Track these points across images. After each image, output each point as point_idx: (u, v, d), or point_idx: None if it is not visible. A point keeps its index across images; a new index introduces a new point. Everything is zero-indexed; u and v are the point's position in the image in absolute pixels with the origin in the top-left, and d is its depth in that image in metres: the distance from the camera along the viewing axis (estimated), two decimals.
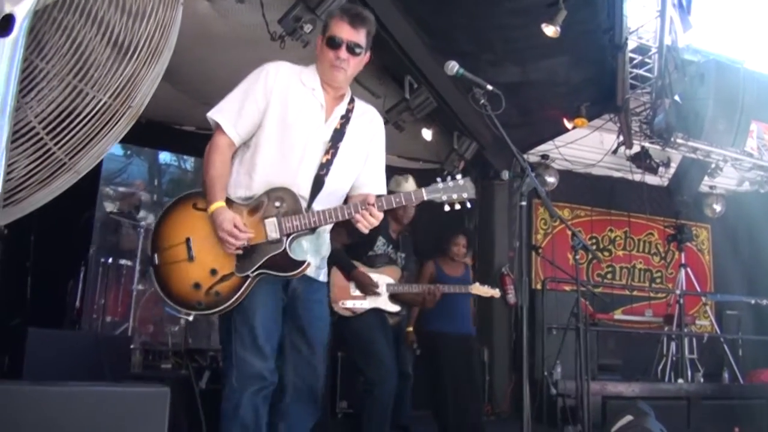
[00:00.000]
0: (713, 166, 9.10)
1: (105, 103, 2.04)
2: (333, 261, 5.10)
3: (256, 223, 3.12)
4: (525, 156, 9.65)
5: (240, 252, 3.09)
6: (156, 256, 3.16)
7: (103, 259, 7.26)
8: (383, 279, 5.46)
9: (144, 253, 7.02)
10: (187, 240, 3.13)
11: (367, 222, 3.09)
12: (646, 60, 7.20)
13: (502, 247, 8.88)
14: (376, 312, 5.35)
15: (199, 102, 6.35)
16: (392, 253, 5.67)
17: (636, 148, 8.88)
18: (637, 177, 10.04)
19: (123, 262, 7.24)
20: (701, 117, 7.61)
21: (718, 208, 10.90)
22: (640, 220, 10.62)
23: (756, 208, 10.34)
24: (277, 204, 3.15)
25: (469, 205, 3.17)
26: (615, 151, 9.08)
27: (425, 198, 3.10)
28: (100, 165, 7.73)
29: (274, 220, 3.12)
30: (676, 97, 7.27)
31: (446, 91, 6.64)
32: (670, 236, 9.75)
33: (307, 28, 4.82)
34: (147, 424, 3.12)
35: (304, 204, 3.18)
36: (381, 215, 3.10)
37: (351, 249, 5.44)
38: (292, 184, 3.18)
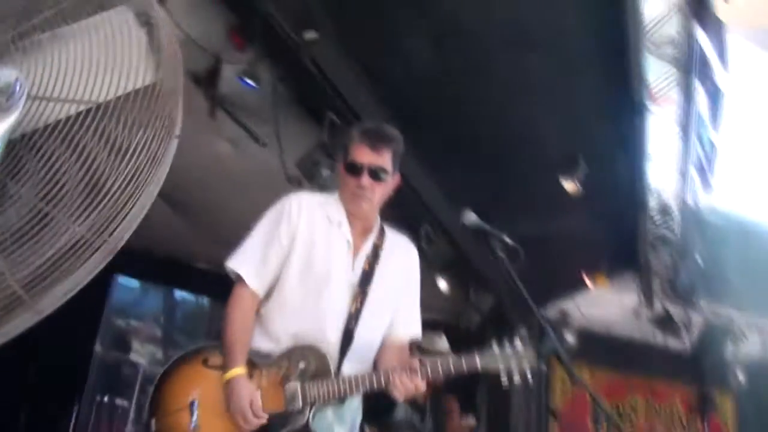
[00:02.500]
0: (737, 331, 8.82)
1: (77, 233, 1.87)
2: None
3: (274, 386, 2.71)
4: (543, 312, 9.47)
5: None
6: (153, 422, 2.69)
7: (98, 397, 6.92)
8: None
9: (139, 405, 6.74)
10: (191, 404, 2.68)
11: (405, 390, 2.67)
12: (668, 221, 7.12)
13: (517, 410, 8.49)
14: None
15: (213, 240, 6.29)
16: (417, 420, 5.25)
17: (658, 309, 8.63)
18: (659, 340, 9.73)
19: (119, 402, 6.93)
20: (725, 280, 7.42)
21: (742, 377, 10.47)
22: (661, 386, 10.18)
23: None
24: (302, 365, 2.73)
25: (530, 379, 2.73)
26: (636, 312, 8.83)
27: (478, 367, 2.70)
28: (104, 294, 7.74)
29: (296, 385, 2.70)
30: (698, 259, 7.12)
31: (463, 241, 6.53)
32: (693, 406, 9.35)
33: (325, 172, 4.76)
34: None
35: (333, 366, 2.77)
36: (423, 385, 2.69)
37: (367, 414, 5.10)
38: (321, 340, 2.79)
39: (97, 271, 2.00)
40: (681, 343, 9.60)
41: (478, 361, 2.72)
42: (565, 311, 9.25)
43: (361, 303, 2.88)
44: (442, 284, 7.47)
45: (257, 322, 2.85)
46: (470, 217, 3.23)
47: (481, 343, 7.94)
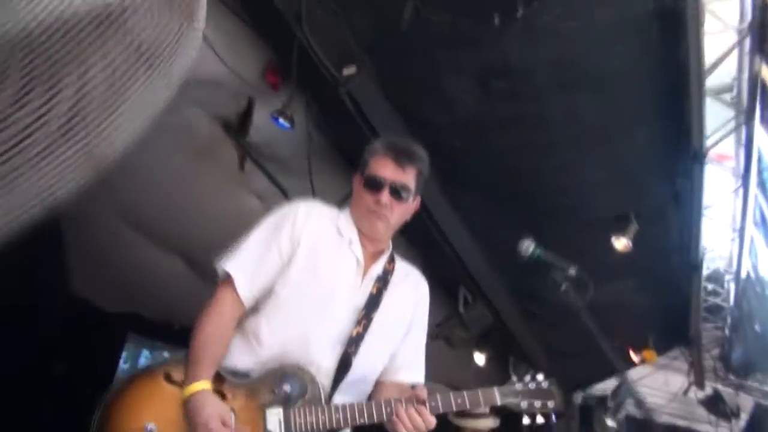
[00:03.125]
0: None
1: None
2: None
3: (251, 410, 2.27)
4: (583, 393, 8.96)
5: None
6: None
7: None
8: None
9: None
10: (146, 429, 2.19)
11: (411, 425, 2.27)
12: (718, 289, 6.69)
13: None
14: None
15: None
16: None
17: (707, 391, 8.10)
18: (704, 428, 9.19)
19: None
20: None
21: None
22: None
23: None
24: (287, 388, 2.31)
25: (554, 418, 2.46)
26: (685, 392, 8.29)
27: (498, 402, 2.35)
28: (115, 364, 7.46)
29: (279, 411, 2.28)
30: (757, 327, 6.64)
31: (503, 307, 6.14)
32: None
33: None
34: None
35: (324, 394, 2.36)
36: (433, 420, 2.30)
37: None
38: (310, 362, 2.38)
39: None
40: (729, 428, 9.05)
41: (497, 396, 2.37)
42: (606, 396, 8.77)
43: (365, 328, 2.49)
44: (479, 358, 7.06)
45: (238, 336, 2.42)
46: (528, 246, 2.88)
47: (518, 422, 7.38)
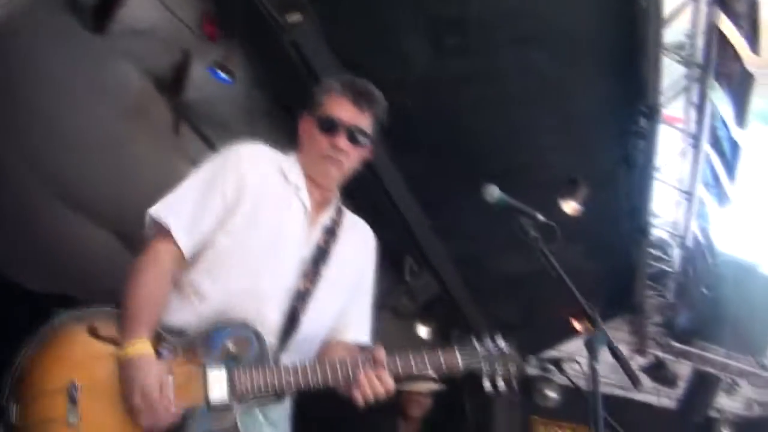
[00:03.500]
0: (729, 381, 8.41)
1: None
2: None
3: (190, 374, 2.03)
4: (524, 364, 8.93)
5: None
6: (14, 407, 1.91)
7: None
8: None
9: None
10: (70, 387, 1.93)
11: (369, 390, 2.07)
12: (662, 255, 6.66)
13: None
14: None
15: None
16: None
17: (649, 359, 8.14)
18: (640, 397, 9.30)
19: None
20: (722, 322, 6.98)
21: None
22: None
23: None
24: (230, 346, 2.07)
25: (516, 385, 2.21)
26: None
27: (460, 365, 2.17)
28: None
29: (222, 373, 2.04)
30: (704, 290, 6.64)
31: (449, 276, 5.99)
32: None
33: None
34: None
35: (270, 352, 2.14)
36: (392, 384, 2.11)
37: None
38: (255, 318, 2.14)
39: None
40: (668, 398, 9.15)
41: (459, 358, 2.19)
42: (548, 366, 8.76)
43: (313, 283, 2.29)
44: (422, 331, 6.91)
45: (173, 291, 2.17)
46: (493, 192, 2.70)
47: (461, 393, 7.24)
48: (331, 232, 2.38)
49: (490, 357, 2.22)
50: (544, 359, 5.27)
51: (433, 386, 4.86)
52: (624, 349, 8.18)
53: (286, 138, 4.42)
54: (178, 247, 2.14)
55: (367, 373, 2.08)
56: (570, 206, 5.06)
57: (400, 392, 4.78)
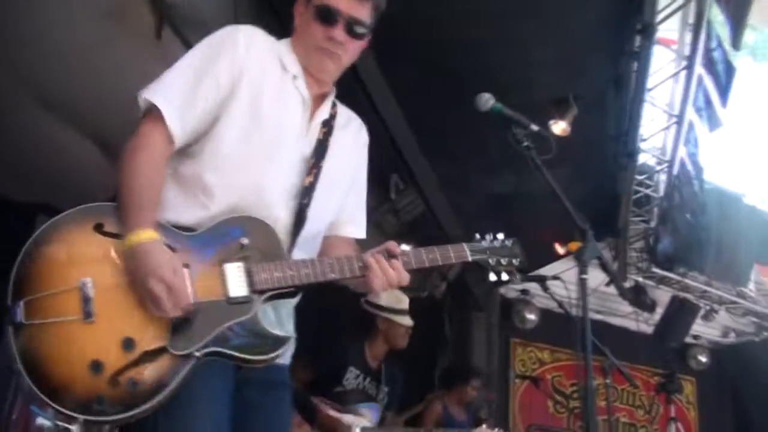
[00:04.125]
0: (708, 308, 8.51)
1: None
2: (294, 405, 4.12)
3: (207, 267, 2.00)
4: (503, 289, 8.98)
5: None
6: (21, 306, 1.83)
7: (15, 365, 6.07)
8: (356, 421, 4.36)
9: None
10: (83, 286, 1.87)
11: (387, 279, 2.08)
12: (646, 181, 6.63)
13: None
14: None
15: None
16: (370, 387, 4.68)
17: (629, 284, 8.20)
18: (617, 321, 9.42)
19: None
20: (704, 248, 7.00)
21: (703, 359, 10.22)
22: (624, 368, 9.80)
23: (747, 360, 9.68)
24: (244, 241, 2.04)
25: (519, 277, 2.36)
26: (608, 284, 8.36)
27: (469, 257, 2.26)
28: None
29: (240, 266, 2.01)
30: (688, 216, 6.64)
31: (433, 196, 5.94)
32: (658, 386, 8.94)
33: None
34: None
35: (285, 247, 2.13)
36: (407, 276, 2.14)
37: (315, 386, 4.48)
38: (267, 215, 2.11)
39: None
40: (646, 323, 9.25)
41: (467, 250, 2.29)
42: (527, 289, 8.82)
43: (315, 177, 2.24)
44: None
45: (175, 186, 2.12)
46: (488, 101, 2.64)
47: (441, 312, 7.27)
48: (328, 126, 2.32)
49: (496, 249, 2.33)
50: (528, 277, 5.26)
51: (409, 322, 4.90)
52: (603, 277, 8.25)
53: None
54: (169, 131, 2.04)
55: (382, 264, 2.08)
56: (559, 126, 5.00)
57: (387, 320, 4.85)
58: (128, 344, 1.87)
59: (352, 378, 4.63)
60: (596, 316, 9.56)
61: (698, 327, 9.47)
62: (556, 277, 5.44)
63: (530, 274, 7.42)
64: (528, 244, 7.43)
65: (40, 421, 1.70)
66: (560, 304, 4.96)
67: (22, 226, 6.88)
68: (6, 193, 6.73)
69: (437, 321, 8.33)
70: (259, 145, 2.14)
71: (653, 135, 6.01)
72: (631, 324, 9.28)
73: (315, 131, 2.29)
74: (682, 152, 6.02)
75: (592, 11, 4.28)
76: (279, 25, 4.14)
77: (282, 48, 2.27)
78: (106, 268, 1.93)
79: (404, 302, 4.91)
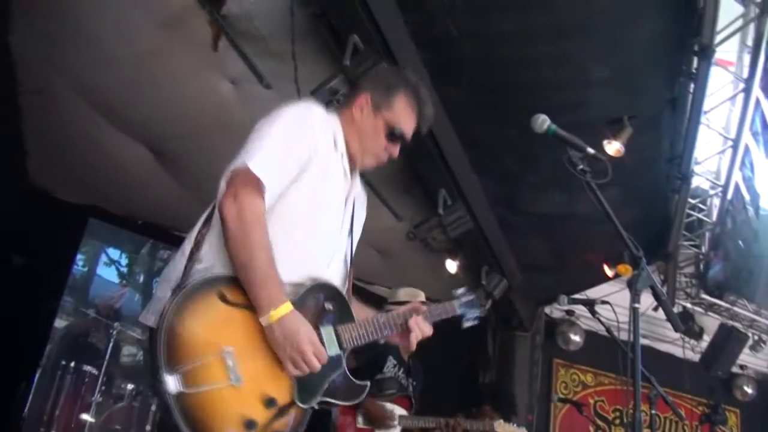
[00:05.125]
0: (756, 338, 8.30)
1: None
2: None
3: None
4: (548, 309, 8.88)
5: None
6: (177, 377, 2.03)
7: (63, 362, 6.23)
8: (394, 409, 4.69)
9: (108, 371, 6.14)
10: (226, 354, 2.12)
11: (422, 334, 2.54)
12: (700, 205, 6.50)
13: (521, 408, 7.89)
14: None
15: (199, 199, 5.66)
16: (403, 378, 4.91)
17: (677, 309, 8.03)
18: (664, 347, 9.26)
19: (87, 368, 6.22)
20: (755, 277, 6.84)
21: (749, 390, 9.96)
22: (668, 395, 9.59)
23: None
24: (329, 306, 2.38)
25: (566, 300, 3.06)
26: (655, 309, 8.21)
27: (457, 312, 2.67)
28: (72, 256, 7.19)
29: (330, 329, 2.37)
30: (741, 243, 6.49)
31: (482, 212, 5.90)
32: (702, 416, 8.74)
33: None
34: None
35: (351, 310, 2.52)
36: (431, 328, 2.58)
37: (358, 373, 4.58)
38: (332, 280, 2.48)
39: None
40: (692, 351, 9.06)
41: (456, 307, 2.69)
42: (572, 310, 8.72)
43: (351, 248, 2.66)
44: (451, 265, 6.88)
45: None
46: (543, 123, 2.65)
47: (485, 328, 7.26)
48: (352, 199, 2.64)
49: (470, 304, 2.73)
50: (576, 300, 5.23)
51: None
52: (651, 300, 8.10)
53: (327, 60, 4.36)
54: (265, 201, 2.25)
55: (418, 321, 2.52)
56: (613, 147, 4.92)
57: None
58: (270, 402, 2.18)
59: (390, 366, 4.87)
60: (643, 341, 9.23)
61: (745, 357, 9.25)
62: (605, 302, 5.36)
63: (577, 296, 7.34)
64: (576, 264, 7.38)
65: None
66: (607, 329, 4.89)
67: (75, 227, 7.07)
68: (60, 195, 6.89)
69: (481, 338, 8.28)
70: (322, 215, 2.45)
71: (708, 158, 5.90)
72: (677, 350, 9.11)
73: (350, 202, 2.62)
74: (737, 177, 5.90)
75: (650, 31, 4.21)
76: (335, 43, 4.20)
77: (335, 126, 2.53)
78: (241, 335, 2.18)
79: (420, 296, 5.13)
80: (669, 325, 8.36)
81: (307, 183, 2.35)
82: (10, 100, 5.59)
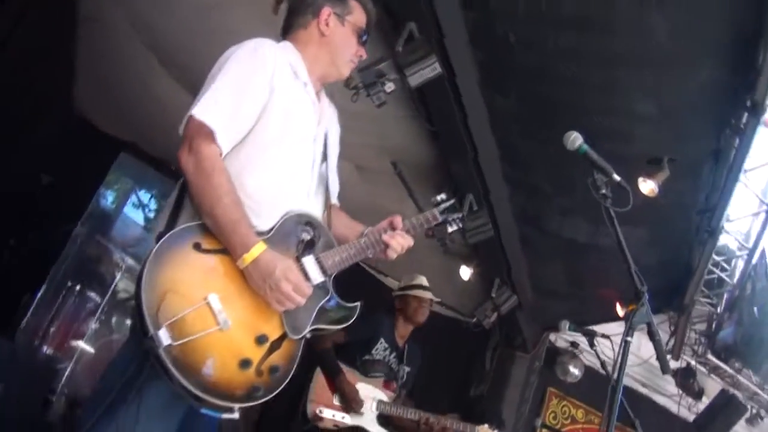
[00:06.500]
0: (755, 412, 8.17)
1: None
2: (319, 362, 4.36)
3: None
4: (553, 337, 8.83)
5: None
6: (163, 332, 2.05)
7: (70, 283, 6.36)
8: (374, 393, 4.65)
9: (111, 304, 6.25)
10: (210, 300, 2.15)
11: (400, 245, 2.53)
12: (724, 264, 6.42)
13: (506, 428, 7.85)
14: None
15: None
16: (394, 362, 4.90)
17: (681, 364, 7.94)
18: (661, 400, 9.17)
19: (91, 294, 6.35)
20: (765, 348, 6.74)
21: None
22: None
23: None
24: (305, 236, 2.40)
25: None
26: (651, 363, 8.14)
27: (439, 218, 2.64)
28: (98, 181, 7.28)
29: (311, 259, 2.39)
30: (755, 312, 6.41)
31: (505, 225, 5.89)
32: None
33: (389, 87, 4.15)
34: None
35: (331, 235, 2.54)
36: (411, 240, 2.57)
37: (345, 349, 4.65)
38: (310, 210, 2.51)
39: None
40: (688, 409, 8.95)
41: (437, 214, 2.65)
42: (577, 342, 8.67)
43: (327, 168, 2.67)
44: (465, 272, 6.88)
45: None
46: (576, 140, 2.67)
47: (487, 341, 7.23)
48: (322, 118, 2.66)
49: (451, 210, 2.69)
50: (578, 328, 5.21)
51: (431, 296, 5.21)
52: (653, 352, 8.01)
53: (379, 41, 4.37)
54: (220, 150, 2.27)
55: (396, 237, 2.51)
56: (648, 186, 4.88)
57: (400, 296, 5.17)
58: (261, 339, 2.24)
59: (381, 349, 4.87)
60: (641, 389, 9.30)
61: (740, 428, 9.10)
62: (605, 336, 5.34)
63: (584, 327, 7.27)
64: (589, 297, 7.28)
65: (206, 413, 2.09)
66: (602, 364, 4.88)
67: (107, 158, 7.18)
68: (99, 125, 6.99)
69: (480, 350, 8.27)
70: (291, 151, 2.46)
71: (740, 218, 5.83)
72: (673, 406, 9.01)
73: (322, 128, 2.64)
74: (765, 243, 5.83)
75: (704, 76, 4.16)
76: (391, 27, 4.22)
77: (291, 56, 2.53)
78: (222, 281, 2.21)
79: (418, 279, 5.22)
80: (670, 379, 8.33)
81: (271, 120, 2.38)
82: (70, 25, 5.69)
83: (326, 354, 4.47)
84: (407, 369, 4.99)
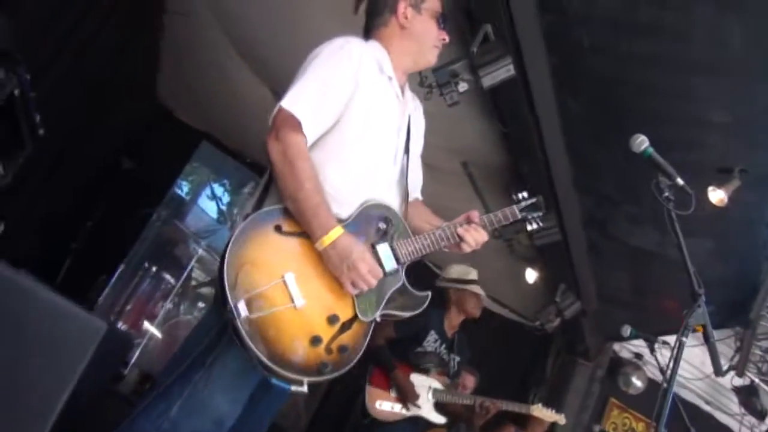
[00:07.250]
0: None
1: None
2: (373, 359, 4.47)
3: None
4: (617, 347, 8.75)
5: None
6: (242, 304, 2.24)
7: (146, 264, 6.65)
8: (429, 383, 4.80)
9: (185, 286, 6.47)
10: (287, 279, 2.33)
11: (475, 242, 2.64)
12: None
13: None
14: (416, 421, 4.66)
15: None
16: (444, 353, 5.02)
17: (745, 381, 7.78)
18: (723, 418, 9.00)
19: (166, 276, 6.63)
20: None
21: None
22: None
23: None
24: (382, 225, 2.56)
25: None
26: (723, 374, 8.00)
27: (519, 216, 2.76)
28: (179, 167, 7.53)
29: (386, 246, 2.55)
30: None
31: (573, 229, 5.90)
32: None
33: (462, 87, 4.26)
34: (69, 347, 2.59)
35: (406, 225, 2.68)
36: (486, 235, 2.69)
37: (397, 345, 4.82)
38: (389, 201, 2.67)
39: None
40: (750, 430, 8.76)
41: (516, 210, 2.75)
42: (641, 354, 8.58)
43: (407, 162, 2.79)
44: (530, 275, 6.91)
45: None
46: (642, 143, 2.73)
47: (548, 347, 7.28)
48: (407, 113, 2.82)
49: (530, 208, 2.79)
50: (639, 333, 5.22)
51: (479, 291, 5.28)
52: (722, 362, 7.87)
53: (455, 41, 4.46)
54: (306, 137, 2.45)
55: (471, 231, 2.61)
56: (717, 195, 4.84)
57: (457, 290, 5.21)
58: (333, 319, 2.39)
59: (431, 341, 4.98)
60: (704, 407, 9.14)
61: None
62: (665, 342, 5.33)
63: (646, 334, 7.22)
64: (653, 308, 7.21)
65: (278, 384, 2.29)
66: (661, 371, 4.87)
67: (186, 147, 7.45)
68: (179, 115, 7.26)
69: (541, 355, 8.27)
70: (375, 144, 2.61)
71: None
72: (735, 425, 8.83)
73: (405, 122, 2.78)
74: None
75: None
76: (468, 28, 4.30)
77: (377, 52, 2.68)
78: (299, 261, 2.38)
79: (472, 274, 5.29)
80: (734, 398, 8.17)
81: (355, 114, 2.54)
82: (157, 17, 5.94)
83: (380, 350, 4.62)
84: (457, 359, 5.08)
